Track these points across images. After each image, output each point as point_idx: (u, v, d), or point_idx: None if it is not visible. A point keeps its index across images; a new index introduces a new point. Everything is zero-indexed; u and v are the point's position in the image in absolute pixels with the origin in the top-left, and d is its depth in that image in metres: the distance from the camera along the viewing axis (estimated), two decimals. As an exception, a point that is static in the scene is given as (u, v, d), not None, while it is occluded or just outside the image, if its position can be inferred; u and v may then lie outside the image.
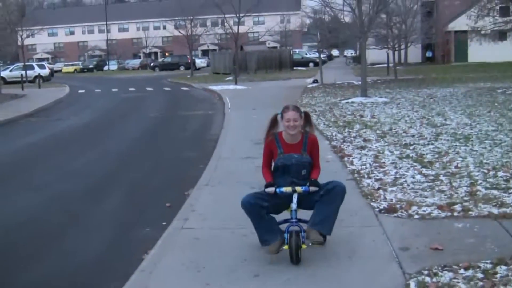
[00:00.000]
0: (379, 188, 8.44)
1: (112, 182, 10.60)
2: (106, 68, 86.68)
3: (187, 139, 15.85)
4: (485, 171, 9.17)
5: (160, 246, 6.59)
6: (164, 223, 7.59)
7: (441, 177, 8.91)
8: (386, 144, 12.02)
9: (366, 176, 9.29)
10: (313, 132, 6.20)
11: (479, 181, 8.53)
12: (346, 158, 10.73)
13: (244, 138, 14.02)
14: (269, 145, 6.10)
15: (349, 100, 21.88)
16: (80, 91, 39.01)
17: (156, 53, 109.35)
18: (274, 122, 6.12)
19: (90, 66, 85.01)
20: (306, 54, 72.31)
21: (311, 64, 63.55)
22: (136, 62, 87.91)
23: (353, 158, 10.73)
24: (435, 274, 5.29)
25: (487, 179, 8.63)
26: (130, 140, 15.88)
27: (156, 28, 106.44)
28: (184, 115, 21.74)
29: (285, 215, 5.95)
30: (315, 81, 34.52)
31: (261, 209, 5.72)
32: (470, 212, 7.15)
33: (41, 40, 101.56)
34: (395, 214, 7.27)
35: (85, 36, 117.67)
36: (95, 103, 29.00)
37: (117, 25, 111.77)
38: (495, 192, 7.93)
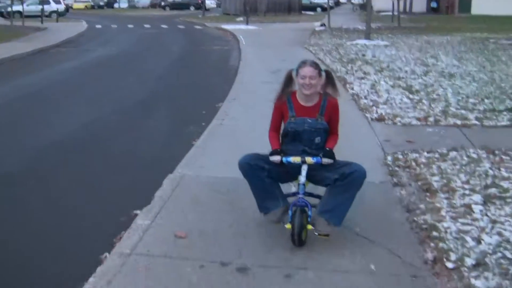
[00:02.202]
0: (372, 105, 10.71)
1: (157, 97, 12.82)
2: (116, 5, 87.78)
3: (210, 68, 18.05)
4: (460, 98, 11.39)
5: (204, 136, 8.83)
6: (203, 124, 9.77)
7: (423, 101, 11.14)
8: (382, 76, 14.24)
9: (363, 97, 11.55)
10: (336, 95, 5.28)
11: (452, 104, 10.77)
12: (347, 85, 12.96)
13: (261, 68, 16.24)
14: (280, 107, 5.26)
15: (354, 42, 24.00)
16: (97, 26, 40.72)
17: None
18: (288, 80, 5.23)
19: (101, 3, 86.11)
20: (314, -1, 73.81)
21: (318, 9, 65.42)
22: (146, 1, 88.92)
23: (354, 85, 12.96)
24: (405, 154, 7.60)
25: (459, 103, 10.87)
26: (160, 68, 18.02)
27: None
28: (203, 49, 23.89)
29: (290, 187, 5.40)
30: (322, 25, 36.41)
31: (261, 172, 4.96)
32: (440, 122, 9.44)
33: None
34: (383, 122, 9.56)
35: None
36: (116, 37, 30.92)
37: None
38: (463, 111, 10.18)
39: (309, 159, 4.98)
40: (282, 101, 5.24)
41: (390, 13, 42.65)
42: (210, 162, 7.38)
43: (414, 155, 7.55)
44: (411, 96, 11.64)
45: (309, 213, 4.91)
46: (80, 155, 8.36)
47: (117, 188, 6.90)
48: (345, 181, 4.85)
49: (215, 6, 76.38)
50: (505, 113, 10.03)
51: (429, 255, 4.78)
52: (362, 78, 14.01)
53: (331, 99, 5.23)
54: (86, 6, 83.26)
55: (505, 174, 6.66)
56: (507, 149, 7.67)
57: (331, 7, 44.90)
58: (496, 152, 7.57)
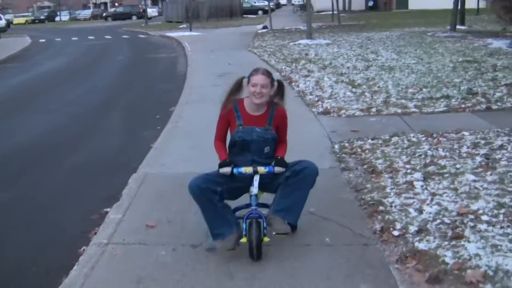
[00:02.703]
0: (318, 100, 11.30)
1: (110, 106, 13.09)
2: (57, 19, 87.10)
3: (159, 75, 18.44)
4: (400, 89, 12.07)
5: (161, 138, 9.26)
6: (158, 127, 10.18)
7: (366, 93, 11.78)
8: (325, 73, 14.86)
9: (308, 93, 12.13)
10: (283, 105, 5.17)
11: (393, 95, 11.43)
12: (293, 83, 13.53)
13: (208, 72, 16.69)
14: (226, 115, 5.07)
15: (296, 42, 24.66)
16: (41, 40, 40.52)
17: (105, 3, 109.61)
18: (238, 87, 5.10)
19: (42, 17, 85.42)
20: (255, 2, 74.45)
21: (260, 12, 66.33)
22: (87, 13, 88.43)
23: (299, 83, 13.55)
24: (351, 142, 8.18)
25: (399, 94, 11.54)
26: (110, 77, 18.32)
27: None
28: (149, 58, 24.21)
29: (243, 199, 5.14)
30: (265, 27, 37.05)
31: (213, 195, 4.74)
32: (382, 112, 10.09)
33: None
34: (329, 115, 10.14)
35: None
36: (62, 50, 30.94)
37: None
38: (403, 100, 10.85)
39: (261, 169, 4.84)
40: (228, 109, 5.04)
41: (330, 12, 43.58)
42: (169, 161, 7.83)
43: (359, 142, 8.14)
44: (354, 90, 12.26)
45: (264, 224, 4.74)
46: (42, 162, 8.67)
47: (85, 190, 7.27)
48: (296, 177, 4.81)
49: (156, 14, 76.45)
50: (442, 100, 10.73)
51: (377, 226, 5.34)
52: (307, 76, 14.61)
53: (279, 108, 5.10)
54: (26, 20, 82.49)
55: (442, 153, 7.28)
56: (444, 132, 8.32)
57: (272, 10, 45.59)
58: (434, 135, 8.21)
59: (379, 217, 5.51)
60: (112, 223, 5.65)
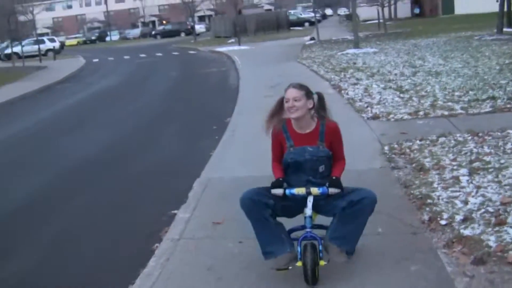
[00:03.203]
0: (367, 106, 11.75)
1: (169, 118, 13.87)
2: (108, 39, 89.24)
3: (212, 88, 19.16)
4: (446, 92, 12.43)
5: (220, 146, 9.85)
6: (216, 137, 10.77)
7: (413, 98, 12.17)
8: (374, 81, 15.29)
9: (358, 100, 12.59)
10: (329, 116, 4.93)
11: (440, 98, 11.80)
12: (343, 91, 14.00)
13: (259, 84, 17.28)
14: (276, 136, 4.92)
15: (344, 52, 25.13)
16: (95, 60, 41.86)
17: (154, 22, 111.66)
18: (279, 107, 4.90)
19: (93, 38, 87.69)
20: (301, 14, 75.19)
21: (306, 24, 66.94)
22: (137, 32, 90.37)
23: (348, 91, 14.01)
24: (400, 143, 8.62)
25: (446, 97, 11.90)
26: (165, 92, 19.13)
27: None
28: (201, 72, 24.97)
29: (298, 219, 4.89)
30: (312, 39, 37.58)
31: (265, 209, 4.61)
32: (429, 115, 10.47)
33: (39, 16, 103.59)
34: (378, 120, 10.59)
35: (82, 9, 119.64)
36: (115, 69, 32.02)
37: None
38: (450, 103, 11.21)
39: (315, 190, 4.62)
40: (277, 130, 4.88)
41: (376, 21, 43.86)
42: (229, 166, 8.40)
43: (408, 143, 8.57)
44: (401, 95, 12.67)
45: (320, 247, 4.55)
46: (110, 171, 9.40)
47: (153, 195, 7.90)
48: (353, 208, 4.56)
49: (204, 30, 77.76)
50: (487, 101, 11.05)
51: (425, 217, 5.78)
52: (355, 84, 15.06)
53: (330, 123, 4.87)
54: (78, 41, 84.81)
55: (487, 150, 7.67)
56: (489, 131, 8.68)
57: (319, 21, 46.11)
58: (480, 134, 8.58)
59: (427, 209, 5.94)
60: (181, 221, 6.23)
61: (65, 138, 12.53)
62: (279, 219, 4.79)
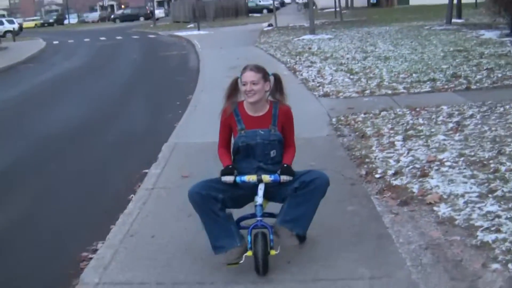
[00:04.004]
0: (319, 86, 12.78)
1: (133, 96, 14.64)
2: (66, 22, 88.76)
3: (173, 70, 19.97)
4: (392, 75, 13.53)
5: (184, 119, 10.75)
6: (180, 111, 11.65)
7: (362, 79, 13.25)
8: (327, 64, 16.36)
9: (311, 80, 13.63)
10: (284, 101, 4.77)
11: (386, 79, 12.90)
12: (297, 73, 15.04)
13: (219, 66, 18.19)
14: (226, 121, 4.75)
15: (300, 38, 26.16)
16: (55, 42, 42.01)
17: (112, 6, 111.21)
18: (233, 88, 4.76)
19: (51, 21, 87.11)
20: (260, 1, 75.96)
21: (264, 11, 68.11)
22: (95, 15, 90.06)
23: (302, 72, 15.05)
24: (346, 116, 9.66)
25: (391, 79, 13.00)
26: (127, 73, 19.86)
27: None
28: (162, 55, 25.72)
29: (247, 208, 4.82)
30: (270, 25, 38.50)
31: (214, 203, 4.44)
32: (375, 93, 11.57)
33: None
34: (328, 97, 11.63)
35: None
36: (77, 51, 32.47)
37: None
38: (394, 84, 12.32)
39: (266, 177, 4.50)
40: (228, 113, 4.71)
41: (333, 10, 45.04)
42: (193, 134, 9.35)
43: (353, 116, 9.61)
44: (351, 76, 13.74)
45: (271, 236, 4.45)
46: (82, 141, 10.16)
47: (125, 159, 8.79)
48: (306, 189, 4.46)
49: (163, 15, 78.06)
50: (428, 82, 12.18)
51: (363, 172, 6.83)
52: (309, 66, 16.11)
53: (283, 106, 4.73)
54: (36, 24, 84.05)
55: (421, 122, 8.76)
56: (426, 106, 9.78)
57: (277, 8, 47.12)
58: (417, 109, 9.67)
59: (365, 166, 6.99)
60: (153, 176, 7.17)
61: (37, 114, 13.16)
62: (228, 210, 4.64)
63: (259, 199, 4.48)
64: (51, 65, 24.96)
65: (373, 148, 7.63)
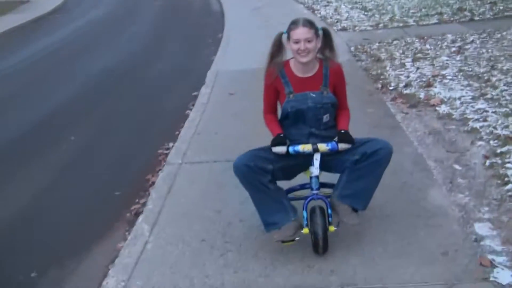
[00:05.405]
0: (337, 22, 14.17)
1: (166, 37, 15.98)
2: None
3: (199, 13, 21.22)
4: (403, 10, 14.87)
5: (220, 52, 12.16)
6: (213, 47, 13.03)
7: (375, 15, 14.60)
8: (342, 3, 17.68)
9: (329, 17, 15.00)
10: (334, 58, 4.24)
11: (397, 15, 14.25)
12: (316, 11, 16.40)
13: (242, 7, 19.46)
14: (271, 85, 4.15)
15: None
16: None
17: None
18: (278, 46, 4.14)
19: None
20: None
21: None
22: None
23: (321, 10, 16.40)
24: (363, 45, 11.10)
25: (402, 14, 14.35)
26: (157, 18, 21.10)
27: None
28: (185, 1, 26.91)
29: (299, 179, 4.37)
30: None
31: (264, 175, 3.95)
32: (387, 26, 12.97)
33: None
34: (346, 31, 13.04)
35: None
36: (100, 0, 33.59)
37: None
38: (405, 18, 13.69)
39: (323, 146, 3.98)
40: (274, 76, 4.10)
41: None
42: (230, 63, 10.82)
43: (369, 45, 11.05)
44: (365, 13, 15.09)
45: (329, 211, 4.03)
46: (129, 80, 11.55)
47: (176, 83, 10.27)
48: (368, 161, 3.97)
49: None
50: (435, 15, 13.53)
51: (379, 85, 8.32)
52: (326, 5, 17.44)
53: (334, 64, 4.19)
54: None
55: (428, 47, 10.19)
56: (432, 35, 11.18)
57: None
58: (425, 37, 11.08)
59: (380, 81, 8.48)
60: (205, 94, 8.71)
61: (85, 54, 14.48)
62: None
63: (315, 170, 4.03)
64: (80, 14, 26.00)
65: (387, 68, 9.10)
